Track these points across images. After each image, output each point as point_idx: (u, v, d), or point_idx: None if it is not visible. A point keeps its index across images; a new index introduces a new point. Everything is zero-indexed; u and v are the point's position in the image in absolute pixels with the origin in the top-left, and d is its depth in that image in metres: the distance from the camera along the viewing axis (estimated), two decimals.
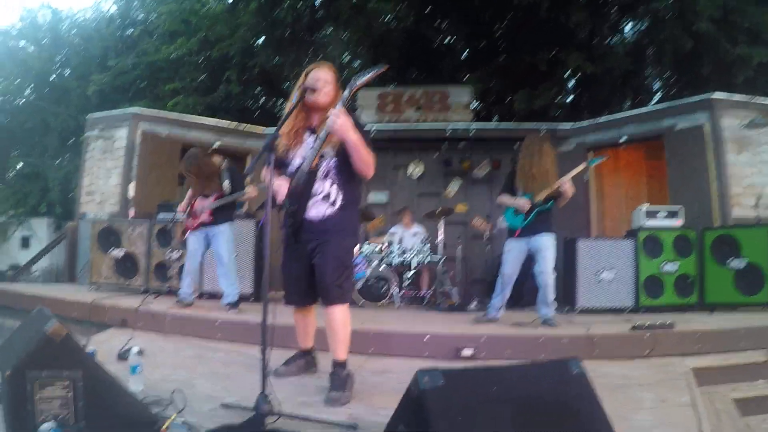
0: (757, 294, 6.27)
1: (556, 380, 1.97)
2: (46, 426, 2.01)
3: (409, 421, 1.82)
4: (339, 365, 3.25)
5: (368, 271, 7.41)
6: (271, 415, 2.55)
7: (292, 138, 3.24)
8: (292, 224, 3.23)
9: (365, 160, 3.08)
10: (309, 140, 3.25)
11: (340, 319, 3.24)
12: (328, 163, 3.23)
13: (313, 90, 3.15)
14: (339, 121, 2.88)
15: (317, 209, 3.22)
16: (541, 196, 5.22)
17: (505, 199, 5.46)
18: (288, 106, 3.30)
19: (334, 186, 3.24)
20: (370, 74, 3.00)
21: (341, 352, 3.26)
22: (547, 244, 5.26)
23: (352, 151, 3.01)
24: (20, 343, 2.46)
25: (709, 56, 10.40)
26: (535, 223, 5.27)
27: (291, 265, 3.36)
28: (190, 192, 5.98)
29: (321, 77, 3.22)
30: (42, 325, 2.27)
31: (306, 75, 3.25)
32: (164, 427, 2.09)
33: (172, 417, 2.20)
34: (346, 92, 3.00)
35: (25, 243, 17.04)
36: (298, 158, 3.25)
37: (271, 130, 7.14)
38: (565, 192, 5.17)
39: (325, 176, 3.23)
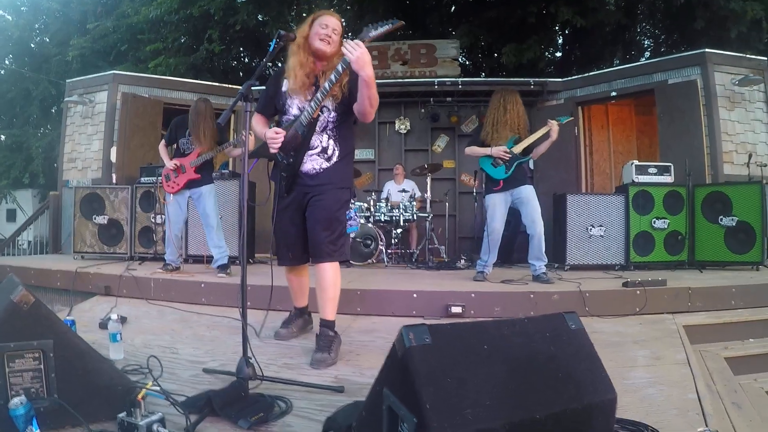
0: (747, 253, 6.26)
1: (553, 336, 1.87)
2: (16, 401, 1.91)
3: (393, 383, 1.72)
4: (326, 325, 3.18)
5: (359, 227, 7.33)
6: (254, 380, 2.48)
7: (306, 82, 3.12)
8: (286, 177, 3.18)
9: (374, 99, 2.96)
10: (312, 89, 3.15)
11: (331, 277, 3.15)
12: (327, 116, 3.16)
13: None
14: (358, 52, 2.73)
15: (312, 163, 3.17)
16: (520, 148, 5.17)
17: (479, 149, 5.33)
18: (292, 47, 3.15)
19: (331, 140, 3.19)
20: (385, 28, 2.87)
21: (330, 311, 3.18)
22: (533, 193, 5.21)
23: (364, 88, 2.88)
24: None
25: (702, 11, 10.24)
26: (517, 174, 5.20)
27: (283, 222, 3.28)
28: (163, 148, 5.81)
29: (330, 24, 3.12)
30: (9, 293, 2.13)
31: (313, 21, 3.15)
32: (139, 395, 2.00)
33: (148, 384, 2.11)
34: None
35: (11, 216, 16.85)
36: (295, 108, 3.19)
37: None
38: (552, 136, 5.11)
39: (323, 130, 3.17)
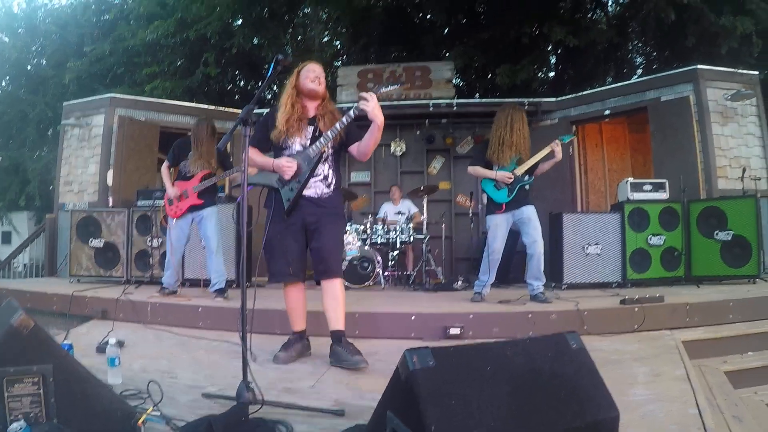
0: (743, 266, 6.27)
1: (555, 355, 1.88)
2: (15, 426, 1.89)
3: (397, 406, 1.73)
4: (342, 334, 3.53)
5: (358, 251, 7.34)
6: (255, 404, 2.46)
7: (294, 126, 3.53)
8: (291, 201, 3.52)
9: (377, 142, 3.46)
10: (309, 129, 3.59)
11: (341, 289, 3.57)
12: (328, 149, 3.63)
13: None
14: (373, 102, 3.24)
15: (315, 188, 3.58)
16: (522, 169, 5.17)
17: (482, 170, 5.32)
18: (284, 97, 3.59)
19: (330, 169, 3.65)
20: (393, 87, 3.56)
21: (343, 322, 3.55)
22: (534, 214, 5.21)
23: (376, 132, 3.36)
24: None
25: (692, 28, 10.35)
26: (518, 196, 5.21)
27: (286, 240, 3.55)
28: (165, 171, 5.79)
29: (317, 70, 3.61)
30: (8, 317, 2.12)
31: (299, 72, 3.61)
32: (140, 420, 1.99)
33: (148, 410, 2.10)
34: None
35: (6, 238, 16.77)
36: (297, 145, 3.57)
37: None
38: (556, 156, 5.13)
39: (325, 160, 3.62)
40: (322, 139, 3.47)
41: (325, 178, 3.61)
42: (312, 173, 3.52)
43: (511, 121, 5.20)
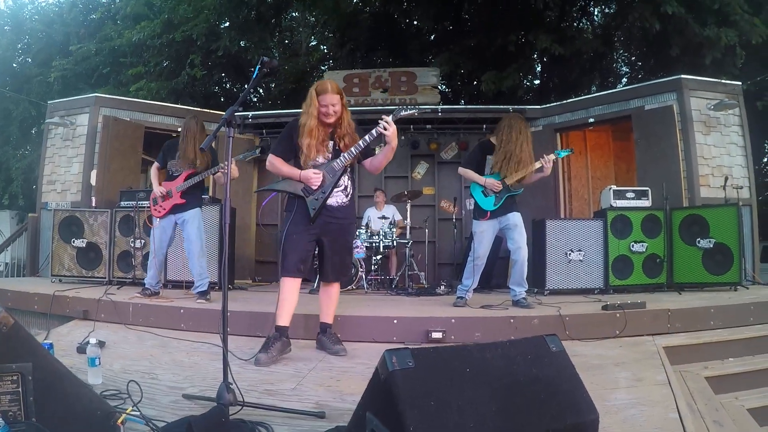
0: (724, 273, 6.34)
1: (534, 358, 1.89)
2: None
3: (377, 408, 1.72)
4: (330, 326, 4.07)
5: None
6: (235, 405, 2.45)
7: (320, 147, 3.82)
8: (317, 209, 3.80)
9: (390, 160, 3.95)
10: (330, 144, 3.88)
11: (337, 292, 4.11)
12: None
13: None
14: (392, 129, 3.61)
15: (336, 198, 3.89)
16: (513, 179, 5.16)
17: (474, 175, 5.31)
18: (308, 127, 3.78)
19: (349, 180, 3.99)
20: (411, 111, 3.94)
21: (332, 317, 4.10)
22: (520, 220, 5.22)
23: (389, 152, 3.80)
24: None
25: (677, 38, 10.47)
26: (506, 202, 5.22)
27: (303, 240, 3.81)
28: (155, 171, 5.74)
29: (328, 101, 3.76)
30: None
31: (316, 97, 3.78)
32: (119, 420, 1.97)
33: (128, 410, 2.08)
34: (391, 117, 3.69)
35: None
36: (320, 158, 3.84)
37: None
38: (545, 171, 5.13)
39: (344, 173, 3.93)
40: (346, 155, 3.79)
41: (345, 188, 3.94)
42: (336, 184, 3.84)
43: (520, 137, 5.17)
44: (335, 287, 4.06)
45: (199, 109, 10.11)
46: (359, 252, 7.38)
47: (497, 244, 5.66)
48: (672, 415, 2.60)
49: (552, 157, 5.14)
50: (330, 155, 3.87)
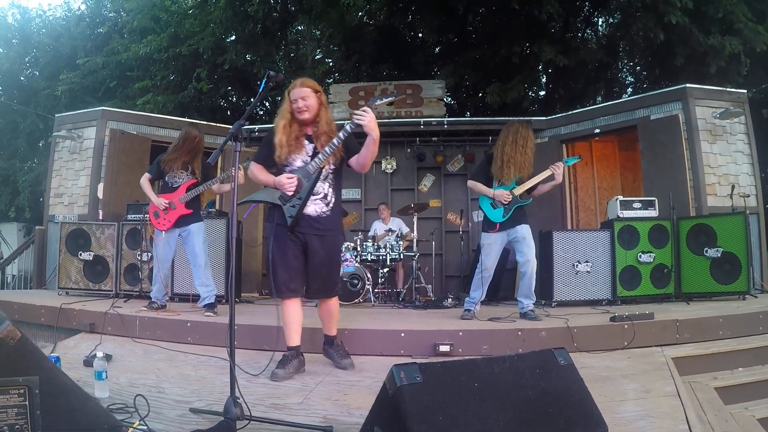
0: (733, 283, 6.29)
1: (543, 372, 1.88)
2: None
3: (384, 422, 1.72)
4: (334, 338, 3.97)
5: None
6: (242, 420, 2.45)
7: (293, 145, 3.63)
8: (293, 218, 3.59)
9: (375, 154, 3.56)
10: (308, 146, 3.67)
11: (336, 306, 3.91)
12: (328, 167, 3.69)
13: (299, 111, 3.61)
14: (368, 117, 3.33)
15: (315, 206, 3.66)
16: (521, 190, 5.15)
17: (482, 187, 5.29)
18: (278, 120, 3.69)
19: (330, 188, 3.73)
20: (388, 99, 3.74)
21: (335, 329, 3.98)
22: (529, 233, 5.19)
23: (371, 145, 3.46)
24: None
25: (681, 48, 10.47)
26: (514, 214, 5.19)
27: (287, 256, 3.62)
28: (147, 183, 5.65)
29: (298, 95, 3.60)
30: None
31: (288, 97, 3.65)
32: None
33: (135, 424, 2.08)
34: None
35: None
36: (298, 161, 3.65)
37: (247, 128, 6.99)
38: (556, 179, 5.11)
39: (324, 179, 3.69)
40: (320, 155, 3.54)
41: (325, 196, 3.69)
42: (312, 189, 3.60)
43: (517, 138, 5.16)
44: (333, 301, 3.86)
45: (205, 122, 10.15)
46: (349, 266, 7.25)
47: (504, 256, 5.63)
48: (681, 427, 2.57)
49: (560, 164, 5.12)
50: (309, 158, 3.64)
